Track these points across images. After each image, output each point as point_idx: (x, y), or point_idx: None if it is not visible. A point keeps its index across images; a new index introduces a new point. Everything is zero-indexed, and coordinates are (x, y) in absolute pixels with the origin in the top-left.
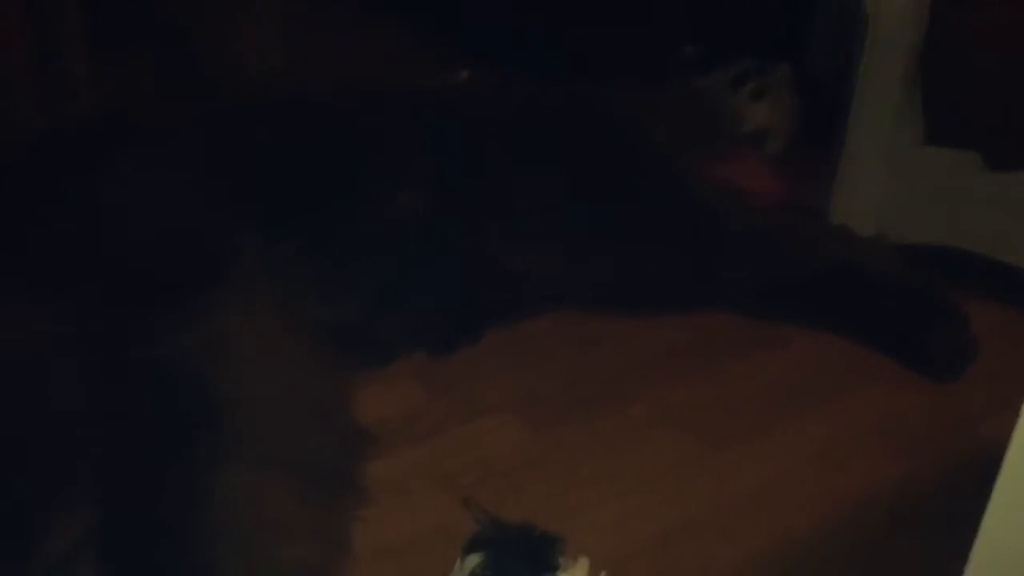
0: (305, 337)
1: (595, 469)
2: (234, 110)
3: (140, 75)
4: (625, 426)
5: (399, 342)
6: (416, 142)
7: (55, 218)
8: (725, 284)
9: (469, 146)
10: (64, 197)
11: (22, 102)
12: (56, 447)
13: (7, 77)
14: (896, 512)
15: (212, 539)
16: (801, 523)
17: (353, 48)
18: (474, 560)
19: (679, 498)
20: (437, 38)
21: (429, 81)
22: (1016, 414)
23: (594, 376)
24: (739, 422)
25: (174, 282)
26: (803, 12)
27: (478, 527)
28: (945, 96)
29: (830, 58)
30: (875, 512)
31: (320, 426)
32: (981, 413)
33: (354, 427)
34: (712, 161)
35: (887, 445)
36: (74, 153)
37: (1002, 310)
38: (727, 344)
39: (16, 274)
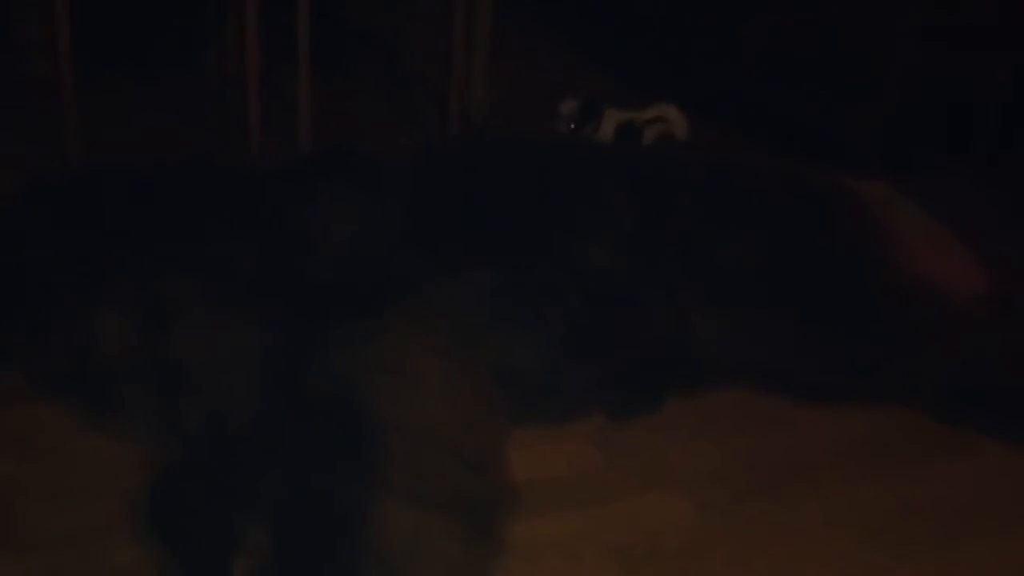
0: (480, 379)
1: (766, 564)
2: (436, 151)
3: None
4: (801, 521)
5: (579, 401)
6: (619, 199)
7: (260, 237)
8: (916, 382)
9: (671, 208)
10: (269, 219)
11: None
12: (237, 460)
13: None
14: None
15: (369, 566)
16: None
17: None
18: None
19: None
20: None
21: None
22: None
23: (772, 461)
24: (923, 533)
25: (362, 308)
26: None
27: None
28: None
29: None
30: None
31: (477, 472)
32: None
33: (507, 480)
34: (915, 251)
35: None
36: (283, 180)
37: None
38: (914, 445)
39: (215, 290)
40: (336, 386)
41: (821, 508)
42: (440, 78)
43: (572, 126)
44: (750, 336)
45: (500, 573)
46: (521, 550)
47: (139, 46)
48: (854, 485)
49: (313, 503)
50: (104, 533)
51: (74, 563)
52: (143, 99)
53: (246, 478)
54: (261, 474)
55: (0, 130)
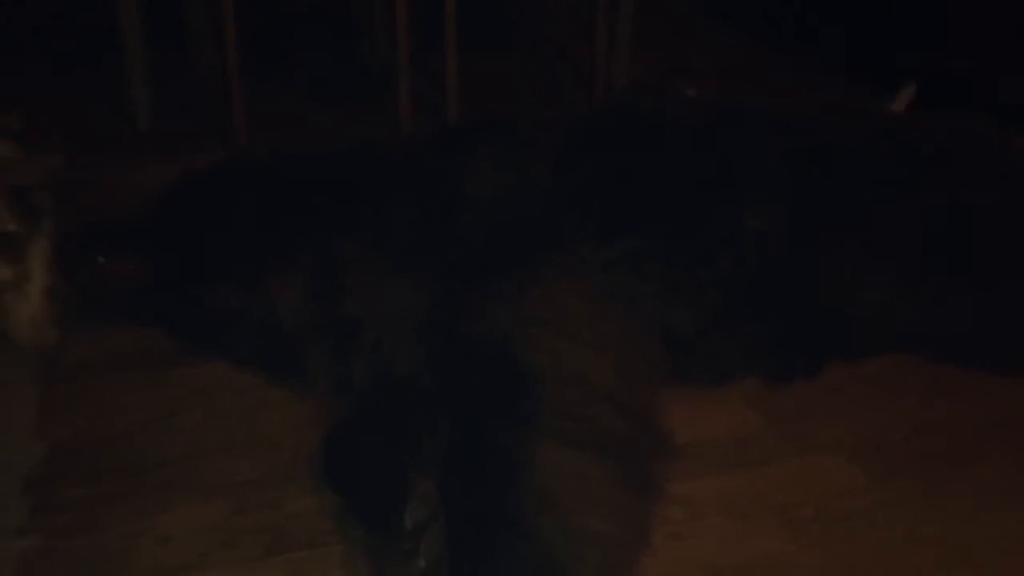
0: (631, 327)
1: (938, 532)
2: (591, 119)
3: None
4: (972, 490)
5: (735, 363)
6: (776, 160)
7: (418, 200)
8: None
9: (833, 170)
10: (427, 183)
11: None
12: (409, 418)
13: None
14: None
15: (532, 506)
16: None
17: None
18: None
19: None
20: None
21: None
22: None
23: (938, 430)
24: None
25: (515, 264)
26: None
27: None
28: None
29: None
30: None
31: (629, 415)
32: None
33: (662, 426)
34: None
35: None
36: (439, 147)
37: None
38: None
39: (379, 253)
40: (493, 336)
41: (993, 477)
42: (584, 52)
43: None
44: (923, 305)
45: (662, 524)
46: (682, 506)
47: (296, 35)
48: None
49: (477, 450)
50: (283, 481)
51: (256, 507)
52: (302, 84)
53: (414, 429)
54: (427, 425)
55: (173, 116)
